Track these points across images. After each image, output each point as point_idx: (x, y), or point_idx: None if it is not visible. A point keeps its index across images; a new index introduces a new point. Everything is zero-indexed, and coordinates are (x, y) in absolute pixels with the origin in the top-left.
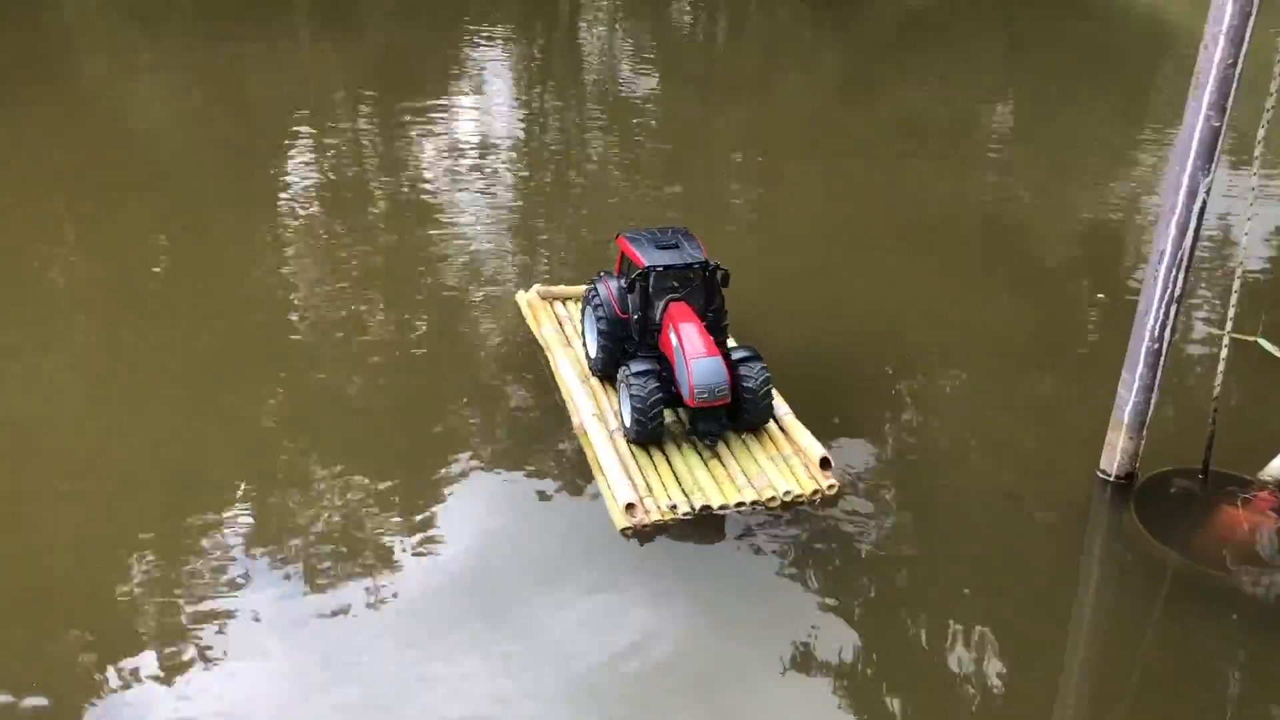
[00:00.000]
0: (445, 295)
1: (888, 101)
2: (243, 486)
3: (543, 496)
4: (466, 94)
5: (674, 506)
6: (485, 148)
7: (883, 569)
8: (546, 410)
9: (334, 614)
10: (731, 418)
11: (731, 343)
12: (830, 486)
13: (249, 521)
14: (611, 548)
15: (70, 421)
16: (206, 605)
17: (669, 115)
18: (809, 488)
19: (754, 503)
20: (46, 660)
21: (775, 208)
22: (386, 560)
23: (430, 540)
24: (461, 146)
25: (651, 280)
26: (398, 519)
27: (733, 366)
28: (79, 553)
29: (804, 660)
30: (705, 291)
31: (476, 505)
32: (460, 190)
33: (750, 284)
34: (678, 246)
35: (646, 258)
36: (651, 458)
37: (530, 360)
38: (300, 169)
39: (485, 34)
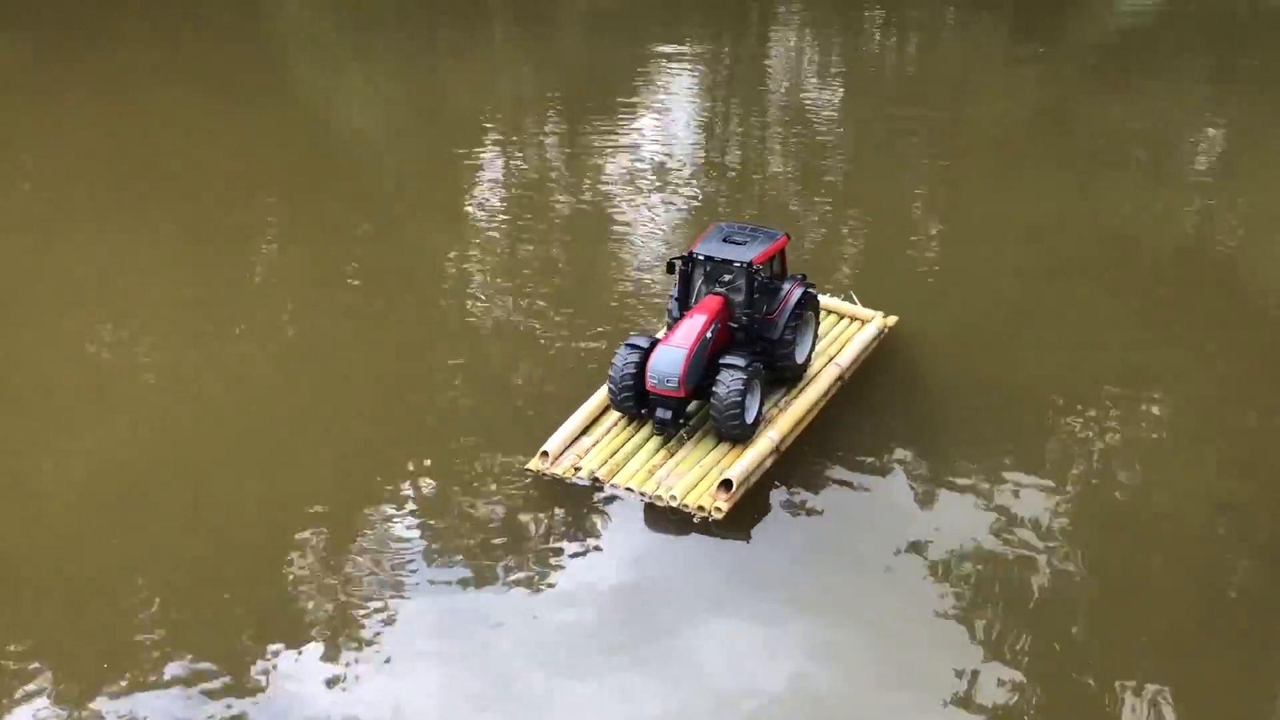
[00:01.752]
0: (622, 300)
1: (1084, 125)
2: (422, 485)
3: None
4: (650, 105)
5: (577, 469)
6: (665, 158)
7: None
8: None
9: (494, 625)
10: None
11: (736, 359)
12: (717, 509)
13: (420, 523)
14: (770, 580)
15: (259, 407)
16: (372, 604)
17: (854, 134)
18: (695, 502)
19: (642, 493)
20: (220, 642)
21: (960, 231)
22: (545, 570)
23: (590, 554)
24: (642, 156)
25: (692, 268)
26: (561, 528)
27: (715, 369)
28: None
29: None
30: (745, 293)
31: (634, 524)
32: (639, 197)
33: (928, 307)
34: (744, 245)
35: (701, 247)
36: (621, 430)
37: None
38: (489, 173)
39: (674, 46)
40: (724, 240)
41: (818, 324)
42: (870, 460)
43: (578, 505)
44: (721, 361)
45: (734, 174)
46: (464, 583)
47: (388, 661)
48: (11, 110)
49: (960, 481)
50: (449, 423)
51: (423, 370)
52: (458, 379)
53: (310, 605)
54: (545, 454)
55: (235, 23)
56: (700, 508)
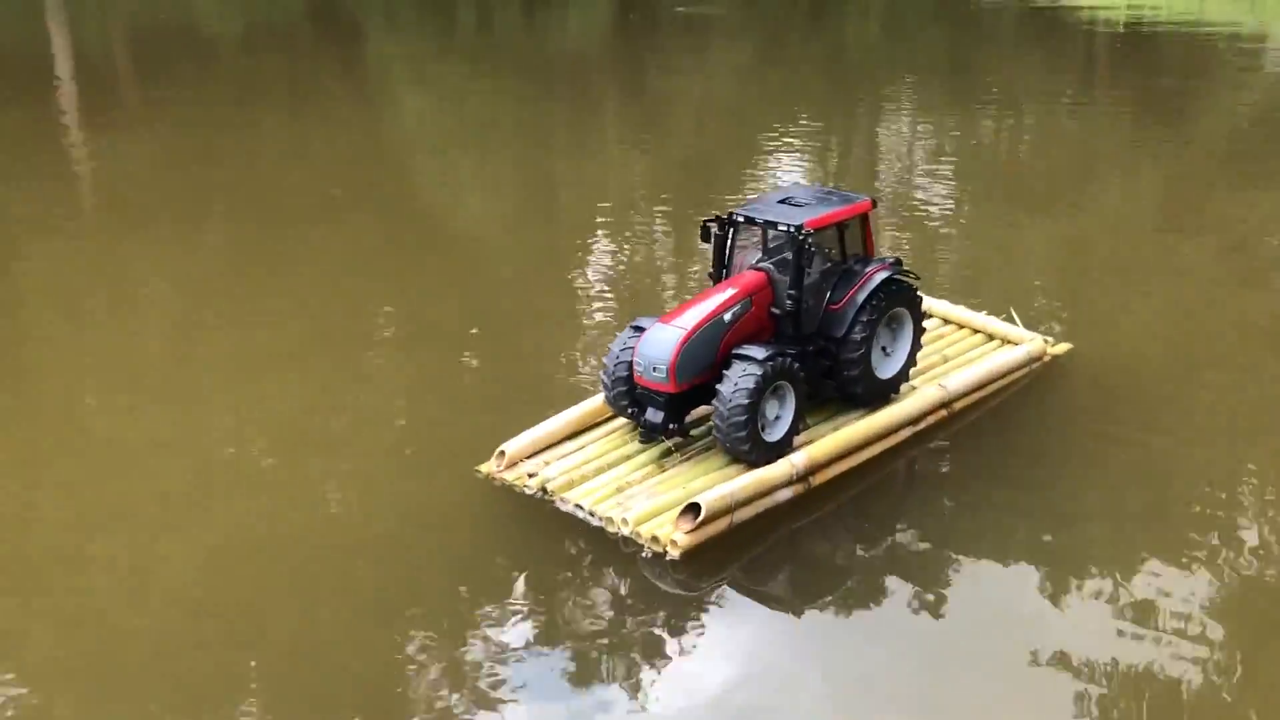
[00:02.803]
0: None
1: (1214, 221)
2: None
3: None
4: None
5: (532, 475)
6: None
7: None
8: None
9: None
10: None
11: (755, 349)
12: (672, 542)
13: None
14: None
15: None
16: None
17: (967, 226)
18: (649, 534)
19: (592, 514)
20: None
21: (1083, 332)
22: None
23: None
24: None
25: (730, 233)
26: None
27: (724, 363)
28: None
29: None
30: (793, 268)
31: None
32: None
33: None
34: (803, 207)
35: (748, 207)
36: (617, 439)
37: None
38: (599, 263)
39: (787, 136)
40: (781, 201)
41: (919, 330)
42: (973, 526)
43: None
44: (735, 351)
45: None
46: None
47: None
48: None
49: (1095, 569)
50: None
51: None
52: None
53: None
54: (502, 454)
55: (361, 123)
56: (654, 539)
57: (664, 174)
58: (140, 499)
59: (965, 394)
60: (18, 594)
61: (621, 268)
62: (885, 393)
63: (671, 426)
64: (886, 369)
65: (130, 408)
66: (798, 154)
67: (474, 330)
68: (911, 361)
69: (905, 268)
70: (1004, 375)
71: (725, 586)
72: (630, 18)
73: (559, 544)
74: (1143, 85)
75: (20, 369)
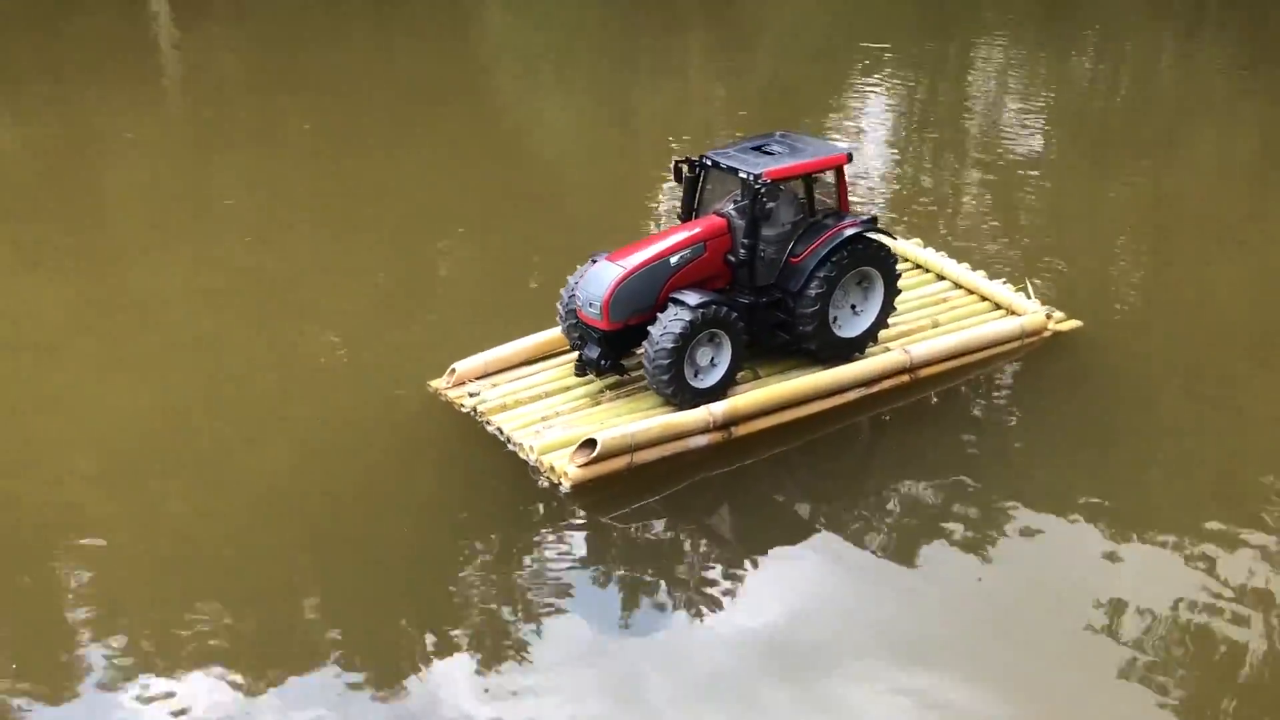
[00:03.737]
0: None
1: None
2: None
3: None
4: (839, 133)
5: (474, 395)
6: (852, 191)
7: None
8: None
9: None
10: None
11: (690, 295)
12: (564, 474)
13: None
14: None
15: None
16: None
17: (1054, 177)
18: (548, 465)
19: (508, 440)
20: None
21: (1167, 295)
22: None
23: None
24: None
25: (701, 175)
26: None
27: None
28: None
29: None
30: (747, 216)
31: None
32: None
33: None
34: (776, 155)
35: (721, 152)
36: (562, 367)
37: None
38: (667, 190)
39: (871, 74)
40: (756, 148)
41: (891, 291)
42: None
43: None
44: (671, 295)
45: (926, 203)
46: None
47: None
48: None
49: (1160, 536)
50: None
51: None
52: None
53: (461, 611)
54: (453, 371)
55: (439, 33)
56: (551, 468)
57: (743, 101)
58: (230, 398)
59: (932, 362)
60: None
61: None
62: (848, 352)
63: (605, 363)
64: (853, 328)
65: (211, 308)
66: (882, 85)
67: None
68: (881, 323)
69: (879, 226)
70: (986, 347)
71: (628, 523)
72: None
73: (481, 464)
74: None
75: (103, 274)
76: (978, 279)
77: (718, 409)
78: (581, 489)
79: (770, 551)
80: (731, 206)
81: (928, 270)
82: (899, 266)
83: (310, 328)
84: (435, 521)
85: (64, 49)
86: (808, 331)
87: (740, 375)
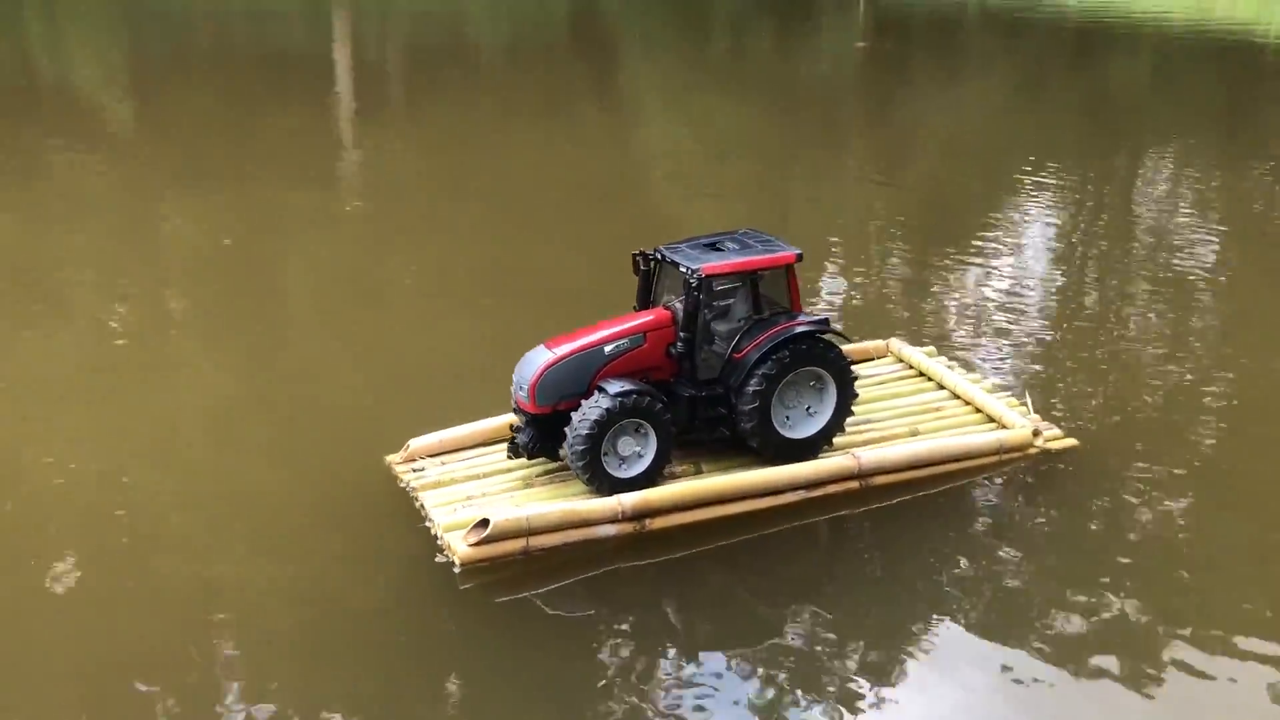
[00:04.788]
0: None
1: None
2: None
3: None
4: (1001, 245)
5: (417, 471)
6: (1012, 296)
7: None
8: None
9: None
10: None
11: (616, 383)
12: (455, 557)
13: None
14: None
15: None
16: None
17: (1230, 295)
18: (447, 543)
19: (424, 518)
20: None
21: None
22: None
23: None
24: (988, 294)
25: (655, 268)
26: None
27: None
28: None
29: None
30: (684, 310)
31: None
32: (982, 335)
33: None
34: (726, 251)
35: (670, 245)
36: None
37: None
38: (821, 289)
39: (1036, 180)
40: (710, 245)
41: (846, 394)
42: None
43: None
44: (598, 383)
45: (1087, 318)
46: None
47: None
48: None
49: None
50: None
51: None
52: None
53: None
54: (408, 447)
55: (606, 137)
56: (449, 546)
57: (901, 209)
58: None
59: (884, 470)
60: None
61: (851, 297)
62: (797, 453)
63: (534, 447)
64: (805, 429)
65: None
66: (1046, 200)
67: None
68: (836, 426)
69: (832, 327)
70: (953, 459)
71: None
72: (858, 46)
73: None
74: None
75: (273, 351)
76: (974, 390)
77: (628, 500)
78: (476, 570)
79: (645, 657)
80: (676, 300)
81: (929, 379)
82: (882, 368)
83: (468, 395)
84: (328, 595)
85: (256, 146)
86: (748, 428)
87: (681, 469)
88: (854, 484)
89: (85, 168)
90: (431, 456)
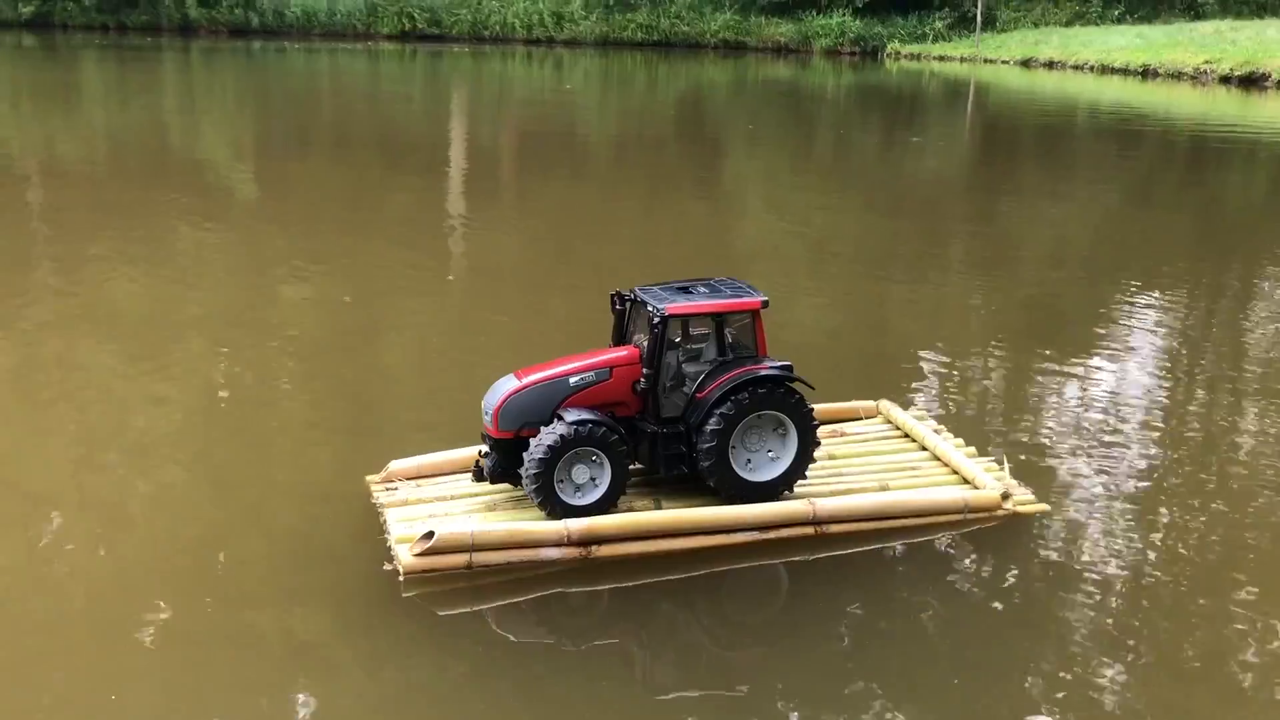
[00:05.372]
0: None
1: None
2: None
3: None
4: (1104, 353)
5: (391, 489)
6: (1115, 408)
7: None
8: None
9: None
10: None
11: (575, 412)
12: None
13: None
14: None
15: None
16: None
17: None
18: (396, 556)
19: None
20: None
21: None
22: None
23: None
24: (1090, 405)
25: (628, 308)
26: None
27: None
28: None
29: None
30: (647, 349)
31: None
32: (1081, 449)
33: None
34: (690, 294)
35: (645, 286)
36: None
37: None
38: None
39: (1146, 289)
40: (682, 288)
41: (807, 441)
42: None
43: None
44: (558, 410)
45: (1191, 441)
46: None
47: None
48: None
49: None
50: None
51: None
52: None
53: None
54: (390, 473)
55: (705, 231)
56: (395, 557)
57: (1003, 311)
58: None
59: (841, 519)
60: None
61: (948, 400)
62: (755, 496)
63: (498, 470)
64: (766, 473)
65: None
66: (1154, 310)
67: None
68: (796, 473)
69: (793, 375)
70: (915, 515)
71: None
72: (913, 140)
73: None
74: None
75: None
76: (950, 450)
77: (574, 525)
78: (420, 581)
79: (580, 678)
80: (645, 338)
81: (912, 439)
82: (869, 427)
83: None
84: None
85: (368, 217)
86: (706, 467)
87: (642, 505)
88: (809, 530)
89: (208, 232)
90: (408, 480)
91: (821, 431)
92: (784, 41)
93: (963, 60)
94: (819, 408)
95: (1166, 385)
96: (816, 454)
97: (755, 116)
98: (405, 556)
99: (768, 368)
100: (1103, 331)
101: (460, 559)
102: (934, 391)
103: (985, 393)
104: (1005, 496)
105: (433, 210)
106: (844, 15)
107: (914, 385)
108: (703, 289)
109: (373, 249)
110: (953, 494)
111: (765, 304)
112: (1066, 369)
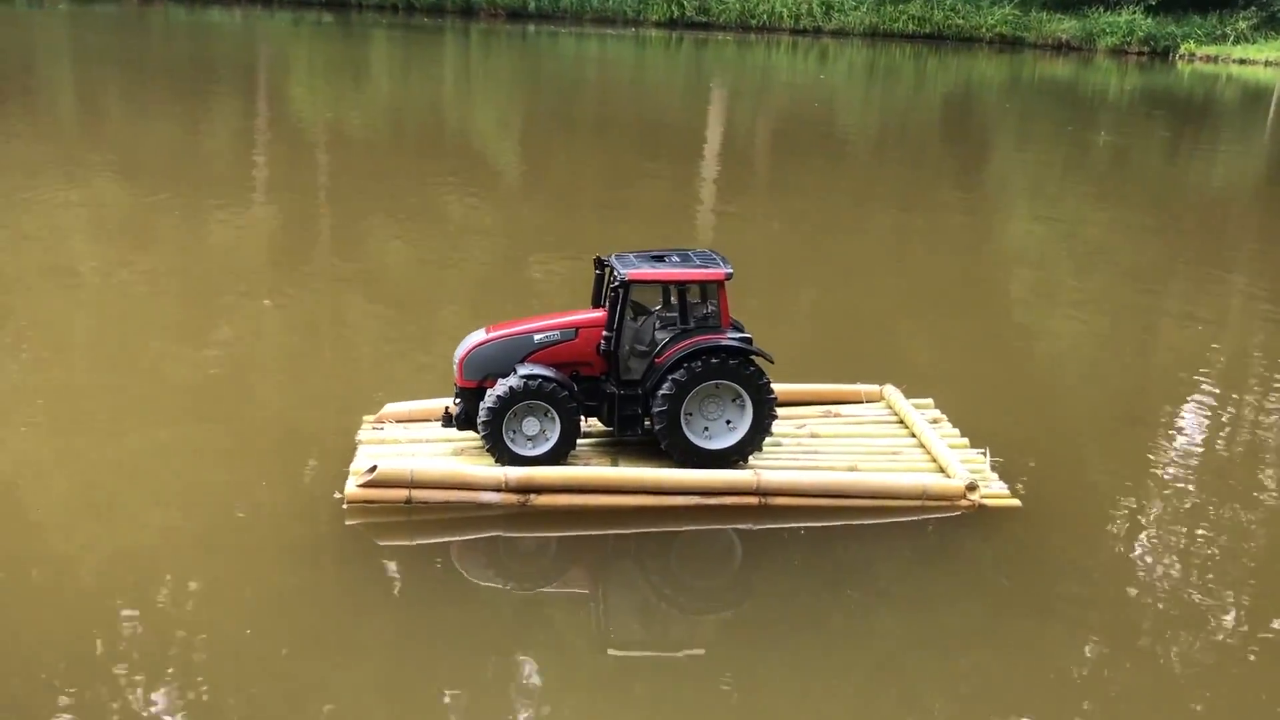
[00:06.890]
0: None
1: None
2: None
3: None
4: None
5: (378, 428)
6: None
7: None
8: None
9: None
10: None
11: (531, 368)
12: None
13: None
14: None
15: None
16: None
17: None
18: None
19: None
20: None
21: None
22: None
23: None
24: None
25: (605, 273)
26: None
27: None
28: None
29: None
30: (609, 314)
31: None
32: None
33: None
34: (661, 260)
35: (620, 253)
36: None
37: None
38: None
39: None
40: (656, 257)
41: (763, 412)
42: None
43: None
44: (516, 364)
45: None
46: None
47: None
48: None
49: None
50: None
51: None
52: None
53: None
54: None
55: (962, 232)
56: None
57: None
58: None
59: (785, 492)
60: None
61: (1217, 429)
62: (709, 463)
63: (462, 417)
64: (721, 441)
65: None
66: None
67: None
68: (751, 443)
69: (751, 346)
70: (867, 496)
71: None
72: (1102, 137)
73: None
74: None
75: None
76: (933, 437)
77: (513, 473)
78: (361, 510)
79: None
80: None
81: (903, 424)
82: (868, 410)
83: None
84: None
85: (621, 200)
86: (658, 430)
87: (597, 462)
88: (752, 499)
89: (470, 206)
90: (399, 422)
91: (814, 411)
92: (1066, 38)
93: (1268, 64)
94: (822, 386)
95: None
96: (799, 430)
97: (1026, 112)
98: (350, 486)
99: (726, 338)
100: None
101: (400, 493)
102: (1205, 420)
103: (1257, 425)
104: (972, 488)
105: (685, 196)
106: (1135, 12)
107: (1181, 410)
108: (675, 259)
109: (622, 233)
110: (911, 480)
111: (729, 276)
112: None
